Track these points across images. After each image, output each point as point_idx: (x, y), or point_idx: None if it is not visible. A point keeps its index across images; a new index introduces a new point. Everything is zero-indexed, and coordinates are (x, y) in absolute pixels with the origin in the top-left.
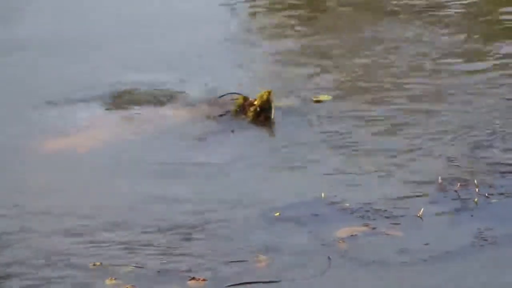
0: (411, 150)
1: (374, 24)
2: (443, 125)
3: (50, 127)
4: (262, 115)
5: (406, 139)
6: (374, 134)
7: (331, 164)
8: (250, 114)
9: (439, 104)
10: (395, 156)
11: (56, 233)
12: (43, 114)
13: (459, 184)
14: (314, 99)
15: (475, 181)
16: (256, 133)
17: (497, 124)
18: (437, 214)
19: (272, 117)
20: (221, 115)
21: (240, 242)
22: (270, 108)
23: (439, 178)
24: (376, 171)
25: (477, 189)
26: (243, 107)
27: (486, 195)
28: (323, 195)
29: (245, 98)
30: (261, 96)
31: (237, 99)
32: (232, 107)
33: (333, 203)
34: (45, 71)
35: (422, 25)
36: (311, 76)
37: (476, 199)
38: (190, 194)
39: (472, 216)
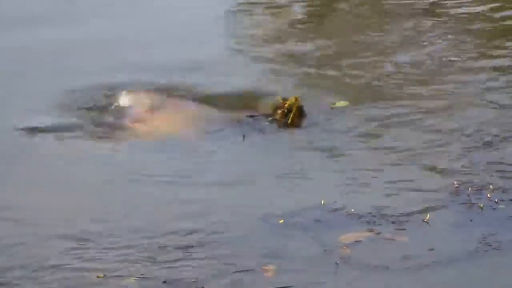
0: (429, 153)
1: (382, 26)
2: (461, 128)
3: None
4: (287, 119)
5: (424, 143)
6: (388, 138)
7: (340, 170)
8: (277, 117)
9: (457, 107)
10: (413, 159)
11: (57, 243)
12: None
13: (470, 188)
14: (331, 105)
15: (491, 186)
16: (271, 138)
17: None
18: (444, 219)
19: (289, 121)
20: (250, 116)
21: (245, 250)
22: (299, 112)
23: (455, 182)
24: (389, 174)
25: (489, 195)
26: (275, 109)
27: (496, 200)
28: (322, 202)
29: (284, 99)
30: (290, 100)
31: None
32: (264, 109)
33: (339, 208)
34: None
35: (430, 25)
36: (327, 81)
37: (481, 205)
38: (193, 202)
39: (471, 221)
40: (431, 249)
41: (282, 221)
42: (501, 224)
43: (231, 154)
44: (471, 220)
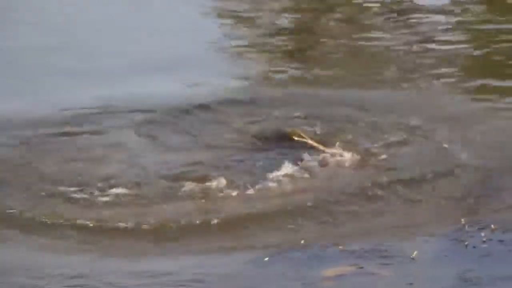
0: (440, 187)
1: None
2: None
3: None
4: None
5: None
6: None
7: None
8: None
9: (463, 138)
10: (424, 192)
11: None
12: None
13: (467, 226)
14: None
15: (492, 226)
16: None
17: None
18: (431, 255)
19: None
20: None
21: None
22: None
23: (462, 220)
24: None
25: (483, 233)
26: None
27: (484, 239)
28: (302, 241)
29: None
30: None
31: None
32: None
33: (330, 245)
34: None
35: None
36: None
37: (467, 242)
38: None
39: (454, 257)
40: (411, 284)
41: (267, 258)
42: (480, 261)
43: None
44: (454, 257)
